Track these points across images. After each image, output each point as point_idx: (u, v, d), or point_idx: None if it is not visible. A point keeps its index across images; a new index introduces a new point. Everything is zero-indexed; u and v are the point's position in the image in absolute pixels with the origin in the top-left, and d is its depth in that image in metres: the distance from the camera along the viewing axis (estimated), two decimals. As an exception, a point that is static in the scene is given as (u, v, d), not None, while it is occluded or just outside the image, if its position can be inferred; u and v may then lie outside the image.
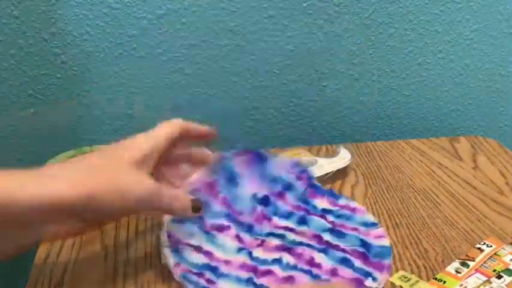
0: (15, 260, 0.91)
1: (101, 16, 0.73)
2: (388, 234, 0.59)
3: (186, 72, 0.78)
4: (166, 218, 0.55)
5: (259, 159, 0.63)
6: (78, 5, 0.72)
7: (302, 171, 0.64)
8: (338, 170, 0.69)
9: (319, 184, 0.64)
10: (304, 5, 0.77)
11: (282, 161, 0.66)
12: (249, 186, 0.61)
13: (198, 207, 0.52)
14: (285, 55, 0.80)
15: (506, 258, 0.54)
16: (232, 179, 0.61)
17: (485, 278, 0.51)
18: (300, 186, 0.63)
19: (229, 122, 0.82)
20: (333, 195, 0.64)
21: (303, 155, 0.73)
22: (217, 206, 0.57)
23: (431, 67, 0.85)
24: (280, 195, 0.61)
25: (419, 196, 0.67)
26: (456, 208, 0.64)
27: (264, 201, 0.60)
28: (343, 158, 0.71)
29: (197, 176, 0.57)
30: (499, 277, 0.51)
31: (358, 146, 0.81)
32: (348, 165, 0.71)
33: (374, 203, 0.65)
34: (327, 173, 0.67)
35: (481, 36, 0.84)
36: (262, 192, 0.60)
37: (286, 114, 0.83)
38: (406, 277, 0.52)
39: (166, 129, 0.51)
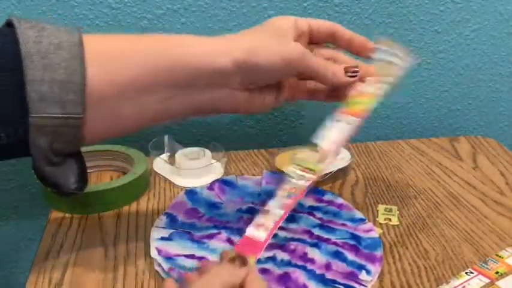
0: (14, 260, 0.91)
1: (101, 16, 0.73)
2: (388, 234, 0.59)
3: (186, 72, 0.78)
4: (153, 236, 0.55)
5: (229, 185, 0.64)
6: (78, 5, 0.71)
7: (279, 179, 0.65)
8: (338, 170, 0.69)
9: None
10: (304, 5, 0.77)
11: (254, 178, 0.66)
12: (232, 204, 0.62)
13: None
14: (285, 55, 0.80)
15: (509, 261, 0.53)
16: (213, 204, 0.61)
17: (487, 280, 0.51)
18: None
19: (228, 122, 0.82)
20: (318, 192, 0.64)
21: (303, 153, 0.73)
22: (203, 224, 0.58)
23: (431, 67, 0.85)
24: (264, 203, 0.62)
25: (419, 196, 0.67)
26: (456, 208, 0.64)
27: (249, 210, 0.60)
28: (343, 158, 0.71)
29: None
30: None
31: (358, 146, 0.81)
32: (348, 165, 0.71)
33: (374, 203, 0.65)
34: (327, 173, 0.67)
35: (481, 36, 0.84)
36: (246, 205, 0.61)
37: (286, 114, 0.83)
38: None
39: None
